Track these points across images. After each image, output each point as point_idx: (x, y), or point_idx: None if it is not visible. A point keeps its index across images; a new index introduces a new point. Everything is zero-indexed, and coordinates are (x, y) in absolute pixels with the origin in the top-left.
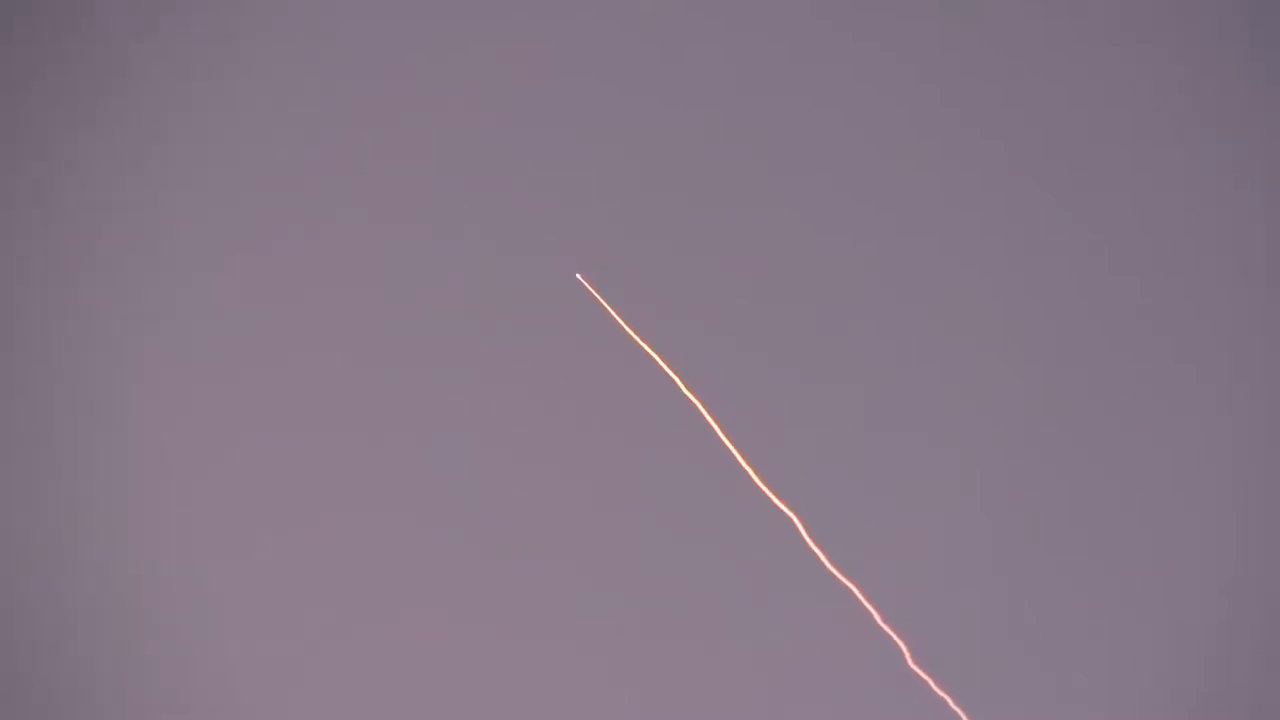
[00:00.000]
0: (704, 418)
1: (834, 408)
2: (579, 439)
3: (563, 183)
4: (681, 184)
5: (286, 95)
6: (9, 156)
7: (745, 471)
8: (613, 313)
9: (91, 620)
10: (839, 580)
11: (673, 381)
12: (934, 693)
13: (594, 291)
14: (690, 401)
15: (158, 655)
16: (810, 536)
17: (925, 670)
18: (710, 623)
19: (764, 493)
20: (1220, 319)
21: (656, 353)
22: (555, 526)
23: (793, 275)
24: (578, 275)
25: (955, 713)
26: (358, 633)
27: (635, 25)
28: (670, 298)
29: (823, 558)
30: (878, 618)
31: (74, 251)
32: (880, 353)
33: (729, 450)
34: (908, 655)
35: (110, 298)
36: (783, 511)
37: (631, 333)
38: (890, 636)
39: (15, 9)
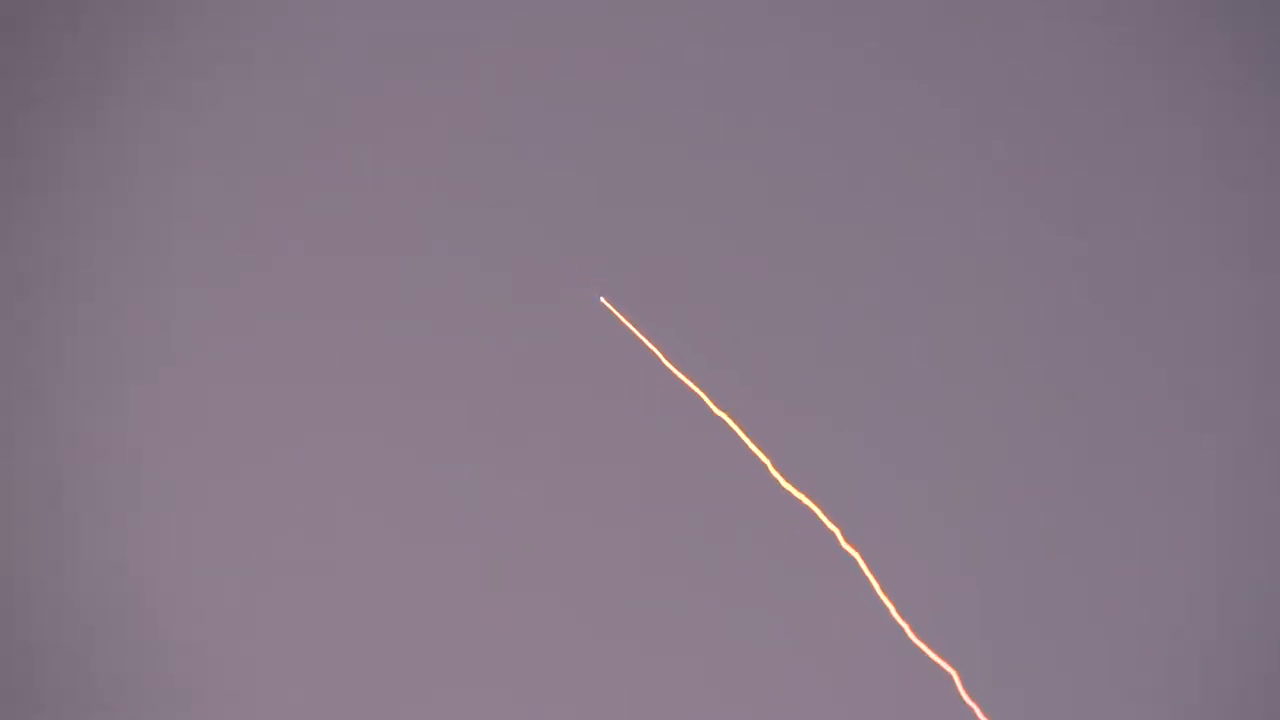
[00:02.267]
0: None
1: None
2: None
3: (584, 200)
4: (703, 200)
5: (296, 103)
6: (7, 166)
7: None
8: (643, 338)
9: (94, 624)
10: None
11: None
12: None
13: (619, 315)
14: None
15: (153, 659)
16: (966, 689)
17: None
18: None
19: (921, 648)
20: (1232, 314)
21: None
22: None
23: (834, 303)
24: (601, 298)
25: None
26: (381, 639)
27: (642, 35)
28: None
29: (978, 713)
30: None
31: (74, 263)
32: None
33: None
34: None
35: (111, 308)
36: (941, 666)
37: (673, 368)
38: None
39: (16, 22)
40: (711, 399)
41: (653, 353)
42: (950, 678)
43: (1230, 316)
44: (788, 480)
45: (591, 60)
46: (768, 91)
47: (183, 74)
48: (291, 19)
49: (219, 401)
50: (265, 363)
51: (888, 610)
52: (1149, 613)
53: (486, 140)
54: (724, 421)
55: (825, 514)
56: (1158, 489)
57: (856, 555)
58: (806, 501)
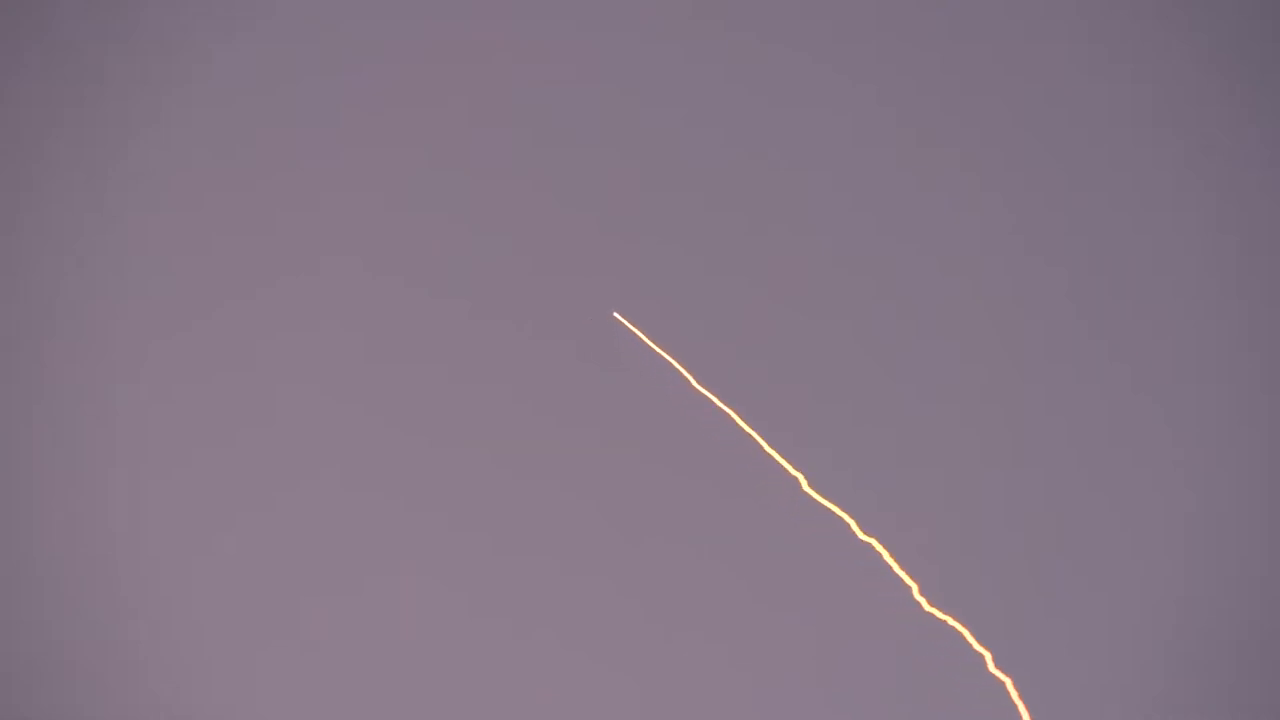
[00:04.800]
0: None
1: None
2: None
3: (597, 220)
4: (718, 217)
5: (313, 116)
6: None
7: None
8: (664, 354)
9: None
10: None
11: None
12: None
13: (635, 329)
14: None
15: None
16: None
17: None
18: None
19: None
20: (1223, 323)
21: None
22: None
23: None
24: (615, 314)
25: None
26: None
27: (654, 61)
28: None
29: None
30: None
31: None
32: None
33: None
34: None
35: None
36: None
37: (817, 495)
38: None
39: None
40: (858, 522)
41: (796, 478)
42: None
43: (1233, 316)
44: (931, 603)
45: (603, 83)
46: (779, 110)
47: (184, 98)
48: (292, 36)
49: (224, 413)
50: (278, 374)
51: None
52: None
53: (504, 165)
54: (871, 546)
55: (974, 637)
56: None
57: (1007, 680)
58: (955, 625)
